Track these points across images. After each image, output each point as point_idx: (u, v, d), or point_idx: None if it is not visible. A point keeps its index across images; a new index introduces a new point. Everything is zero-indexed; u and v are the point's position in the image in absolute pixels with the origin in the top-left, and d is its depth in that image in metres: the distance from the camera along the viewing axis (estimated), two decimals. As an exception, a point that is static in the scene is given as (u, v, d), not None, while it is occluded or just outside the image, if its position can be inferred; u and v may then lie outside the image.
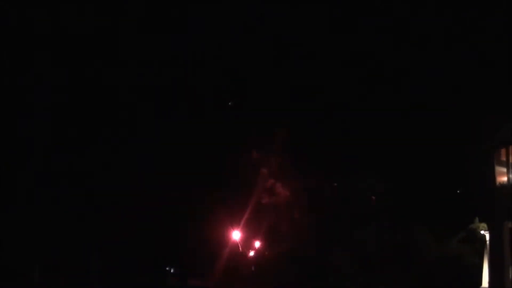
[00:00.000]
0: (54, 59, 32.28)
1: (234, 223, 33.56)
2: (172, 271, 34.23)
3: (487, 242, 24.76)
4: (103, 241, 32.18)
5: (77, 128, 32.69)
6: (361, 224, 31.37)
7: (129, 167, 32.59)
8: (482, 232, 26.10)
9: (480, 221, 26.93)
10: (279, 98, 33.49)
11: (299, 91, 33.48)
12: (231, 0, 34.05)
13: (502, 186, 23.56)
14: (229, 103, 33.61)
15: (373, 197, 32.54)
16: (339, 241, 31.70)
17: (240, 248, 33.50)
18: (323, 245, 32.02)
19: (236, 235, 33.38)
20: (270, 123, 33.94)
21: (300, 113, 33.19)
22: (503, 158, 23.44)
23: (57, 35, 32.06)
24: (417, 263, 29.15)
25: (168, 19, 33.92)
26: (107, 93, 33.04)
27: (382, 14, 32.66)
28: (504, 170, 23.38)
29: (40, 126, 32.04)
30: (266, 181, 34.65)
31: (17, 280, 28.83)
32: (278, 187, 34.54)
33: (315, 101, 33.24)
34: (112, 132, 32.87)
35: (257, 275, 32.29)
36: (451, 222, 29.15)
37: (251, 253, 33.89)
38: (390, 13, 32.32)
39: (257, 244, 34.23)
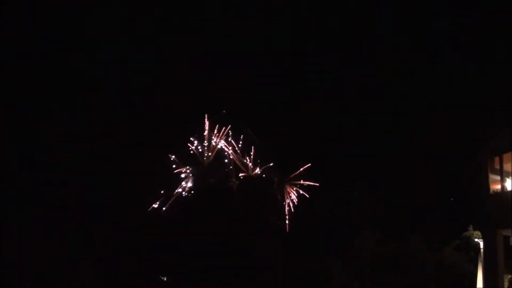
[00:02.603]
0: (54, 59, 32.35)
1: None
2: (165, 279, 34.06)
3: (481, 250, 24.82)
4: (96, 249, 31.98)
5: (75, 133, 32.66)
6: (355, 233, 31.37)
7: (124, 173, 32.50)
8: (476, 239, 26.18)
9: (474, 229, 27.05)
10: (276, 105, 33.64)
11: (294, 98, 33.63)
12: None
13: (496, 194, 23.63)
14: (223, 111, 33.76)
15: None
16: (333, 248, 31.68)
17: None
18: (317, 252, 32.00)
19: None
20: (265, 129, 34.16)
21: (295, 122, 33.30)
22: (497, 166, 23.53)
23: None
24: (412, 271, 29.17)
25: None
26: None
27: (381, 15, 32.87)
28: (498, 178, 23.45)
29: (40, 129, 32.03)
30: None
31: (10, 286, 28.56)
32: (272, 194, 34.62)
33: (310, 109, 33.35)
34: (107, 139, 32.81)
35: (250, 283, 32.11)
36: (446, 230, 29.27)
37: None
38: (388, 14, 32.52)
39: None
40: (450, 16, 31.09)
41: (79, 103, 33.34)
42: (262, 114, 33.71)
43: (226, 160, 34.67)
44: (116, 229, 32.01)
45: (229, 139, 34.44)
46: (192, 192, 34.27)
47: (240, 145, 34.59)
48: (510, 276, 22.64)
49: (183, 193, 34.12)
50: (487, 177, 23.83)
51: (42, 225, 30.36)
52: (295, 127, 33.27)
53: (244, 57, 34.19)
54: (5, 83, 31.53)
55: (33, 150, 32.12)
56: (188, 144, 34.23)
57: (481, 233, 25.19)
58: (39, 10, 32.41)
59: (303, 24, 33.66)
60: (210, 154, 34.37)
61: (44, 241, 30.10)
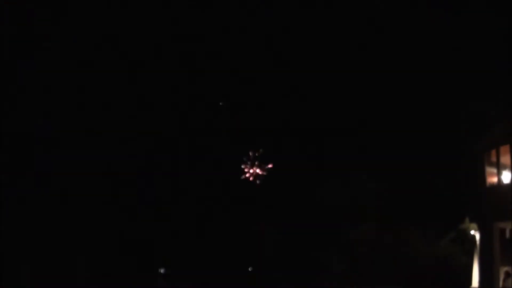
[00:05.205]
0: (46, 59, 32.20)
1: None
2: (162, 271, 34.01)
3: (477, 243, 24.90)
4: (92, 241, 31.89)
5: (69, 127, 32.61)
6: (351, 224, 31.42)
7: (120, 165, 32.46)
8: (472, 232, 26.23)
9: (470, 222, 27.06)
10: (273, 98, 33.68)
11: (292, 90, 33.64)
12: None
13: (492, 186, 23.71)
14: (220, 103, 33.77)
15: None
16: (329, 240, 31.74)
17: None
18: (314, 244, 32.06)
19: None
20: (262, 122, 34.26)
21: (293, 112, 33.34)
22: (494, 159, 23.56)
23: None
24: (407, 263, 29.23)
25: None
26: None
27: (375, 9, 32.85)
28: (495, 170, 23.49)
29: (32, 126, 31.93)
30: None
31: (6, 282, 28.44)
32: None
33: (307, 100, 33.41)
34: (103, 132, 32.79)
35: (248, 275, 32.18)
36: (442, 223, 29.33)
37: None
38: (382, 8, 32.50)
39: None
40: (449, 9, 31.05)
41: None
42: (260, 109, 33.81)
43: None
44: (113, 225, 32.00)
45: None
46: None
47: None
48: (506, 269, 22.73)
49: None
50: (483, 170, 23.89)
51: (35, 222, 30.24)
52: (293, 121, 33.31)
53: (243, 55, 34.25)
54: None
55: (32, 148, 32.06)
56: None
57: (477, 226, 25.25)
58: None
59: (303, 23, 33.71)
60: None
61: (37, 239, 30.01)
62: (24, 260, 29.98)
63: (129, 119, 34.31)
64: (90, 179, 32.24)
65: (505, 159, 22.94)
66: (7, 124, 31.38)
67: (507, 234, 23.84)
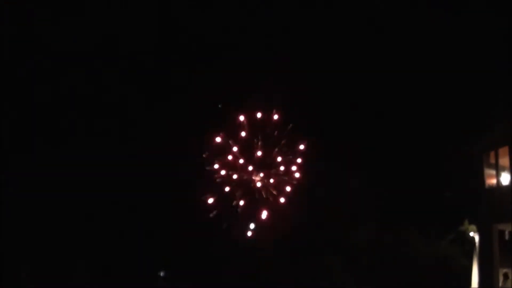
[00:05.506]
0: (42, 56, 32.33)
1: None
2: (162, 274, 34.03)
3: (476, 244, 24.91)
4: (92, 242, 31.96)
5: (69, 127, 32.73)
6: (351, 226, 31.40)
7: (118, 167, 32.47)
8: (471, 234, 26.23)
9: (470, 223, 27.07)
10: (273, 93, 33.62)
11: (292, 90, 33.55)
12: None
13: (491, 188, 23.71)
14: (219, 106, 33.74)
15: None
16: (329, 242, 31.74)
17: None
18: (313, 245, 32.06)
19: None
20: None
21: (292, 112, 33.30)
22: (492, 161, 23.56)
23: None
24: (407, 265, 29.22)
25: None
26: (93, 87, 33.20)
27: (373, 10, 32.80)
28: (493, 172, 23.52)
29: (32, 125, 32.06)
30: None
31: (6, 282, 28.54)
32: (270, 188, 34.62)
33: (307, 100, 33.32)
34: (100, 130, 32.89)
35: (247, 276, 32.18)
36: (441, 224, 29.29)
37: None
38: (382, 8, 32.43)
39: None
40: (449, 9, 30.97)
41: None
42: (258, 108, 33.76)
43: None
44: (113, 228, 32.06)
45: None
46: None
47: None
48: (505, 271, 22.74)
49: None
50: (482, 172, 23.89)
51: (35, 223, 30.29)
52: (292, 121, 33.29)
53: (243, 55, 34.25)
54: None
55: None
56: None
57: (477, 228, 25.26)
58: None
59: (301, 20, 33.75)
60: None
61: (37, 240, 30.06)
62: (24, 260, 30.10)
63: (129, 118, 34.38)
64: (90, 179, 32.22)
65: (504, 160, 22.94)
66: (7, 124, 31.51)
67: (506, 236, 23.86)
